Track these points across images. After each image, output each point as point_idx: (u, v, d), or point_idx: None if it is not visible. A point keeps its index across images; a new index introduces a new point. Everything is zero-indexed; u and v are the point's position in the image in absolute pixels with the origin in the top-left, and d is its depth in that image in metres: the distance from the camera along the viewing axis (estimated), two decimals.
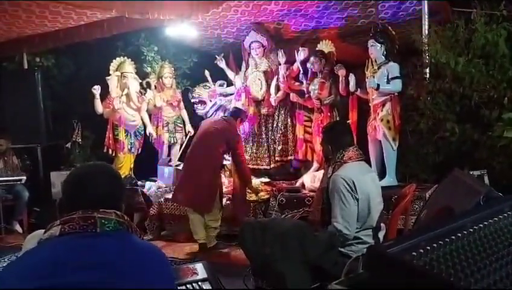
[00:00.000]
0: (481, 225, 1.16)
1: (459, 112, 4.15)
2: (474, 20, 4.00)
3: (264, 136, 5.79)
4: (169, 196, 5.15)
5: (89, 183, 1.31)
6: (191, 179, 4.36)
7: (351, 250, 2.43)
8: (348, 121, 4.76)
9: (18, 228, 5.65)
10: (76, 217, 1.22)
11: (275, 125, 5.75)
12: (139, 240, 1.31)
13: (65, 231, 1.20)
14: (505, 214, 1.24)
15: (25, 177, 5.64)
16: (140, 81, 5.91)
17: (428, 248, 1.01)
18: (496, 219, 1.21)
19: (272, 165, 5.73)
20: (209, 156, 4.35)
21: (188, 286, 1.95)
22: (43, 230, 1.28)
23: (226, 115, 5.07)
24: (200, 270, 2.09)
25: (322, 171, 3.85)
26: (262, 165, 5.73)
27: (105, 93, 5.63)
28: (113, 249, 1.20)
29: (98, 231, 1.20)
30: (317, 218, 2.66)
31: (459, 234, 1.10)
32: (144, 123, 5.89)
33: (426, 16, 4.53)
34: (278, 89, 5.60)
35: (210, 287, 1.95)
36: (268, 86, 5.64)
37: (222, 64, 5.83)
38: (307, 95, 5.32)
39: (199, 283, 1.96)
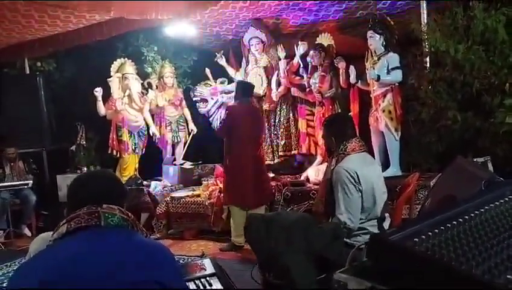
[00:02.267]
0: (482, 210, 1.17)
1: (461, 99, 4.13)
2: (472, 6, 3.97)
3: (267, 131, 5.80)
4: (175, 194, 5.19)
5: (89, 181, 1.41)
6: (252, 178, 4.34)
7: (357, 241, 2.43)
8: (349, 114, 4.76)
9: (27, 231, 5.71)
10: (81, 213, 1.25)
11: (277, 120, 5.77)
12: (143, 237, 1.33)
13: (71, 228, 1.23)
14: (506, 198, 1.25)
15: (31, 181, 5.68)
16: (142, 81, 5.94)
17: (430, 233, 1.03)
18: (497, 203, 1.22)
19: (276, 160, 5.76)
20: (258, 148, 4.50)
21: (196, 281, 1.97)
22: (49, 233, 1.32)
23: (240, 98, 4.52)
24: (208, 265, 2.12)
25: (325, 165, 3.84)
26: (266, 161, 5.74)
27: (107, 95, 5.66)
28: (117, 242, 1.23)
29: (102, 224, 1.23)
30: (320, 210, 2.67)
31: (461, 219, 1.11)
32: (147, 123, 5.92)
33: (425, 5, 4.53)
34: (278, 84, 5.62)
35: (218, 282, 1.97)
36: (269, 81, 5.66)
37: (222, 61, 5.85)
38: (308, 89, 5.33)
39: (207, 278, 1.99)
